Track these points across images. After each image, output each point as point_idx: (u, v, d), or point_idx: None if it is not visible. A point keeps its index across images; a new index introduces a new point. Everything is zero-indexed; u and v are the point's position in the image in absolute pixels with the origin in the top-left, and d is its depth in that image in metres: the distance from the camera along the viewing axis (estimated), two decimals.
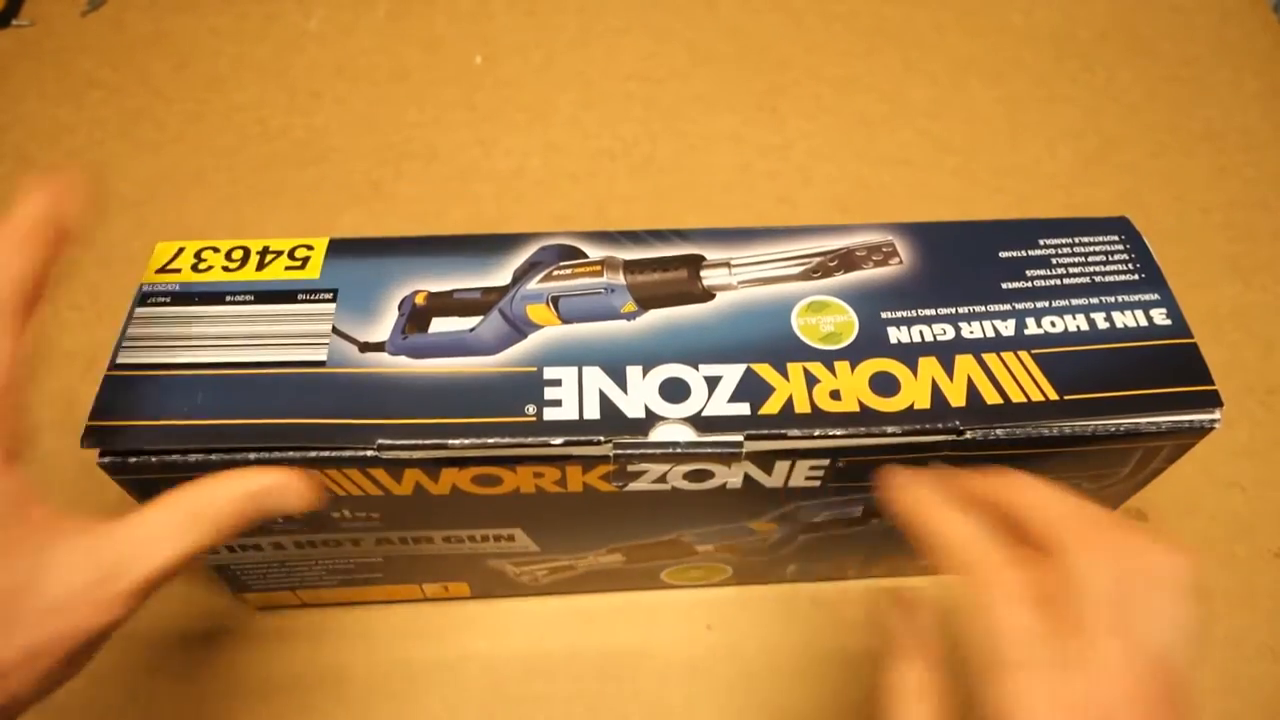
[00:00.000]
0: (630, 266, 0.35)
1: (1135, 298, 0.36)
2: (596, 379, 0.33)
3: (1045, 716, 0.24)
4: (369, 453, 0.32)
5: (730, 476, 0.34)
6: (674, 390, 0.33)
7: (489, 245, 0.37)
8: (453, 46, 0.70)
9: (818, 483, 0.35)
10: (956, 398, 0.33)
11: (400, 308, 0.34)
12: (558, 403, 0.32)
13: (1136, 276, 0.37)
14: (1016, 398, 0.33)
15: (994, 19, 0.73)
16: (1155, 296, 0.36)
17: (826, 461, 0.34)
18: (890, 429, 0.32)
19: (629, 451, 0.32)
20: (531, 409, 0.32)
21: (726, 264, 0.36)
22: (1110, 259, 0.37)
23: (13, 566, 0.23)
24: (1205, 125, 0.67)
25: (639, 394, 0.32)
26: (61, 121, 0.65)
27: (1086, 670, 0.24)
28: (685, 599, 0.46)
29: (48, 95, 0.66)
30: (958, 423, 0.32)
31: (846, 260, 0.36)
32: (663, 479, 0.33)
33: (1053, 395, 0.33)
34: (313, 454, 0.31)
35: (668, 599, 0.46)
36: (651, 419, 0.32)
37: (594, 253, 0.36)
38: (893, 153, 0.65)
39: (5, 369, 0.24)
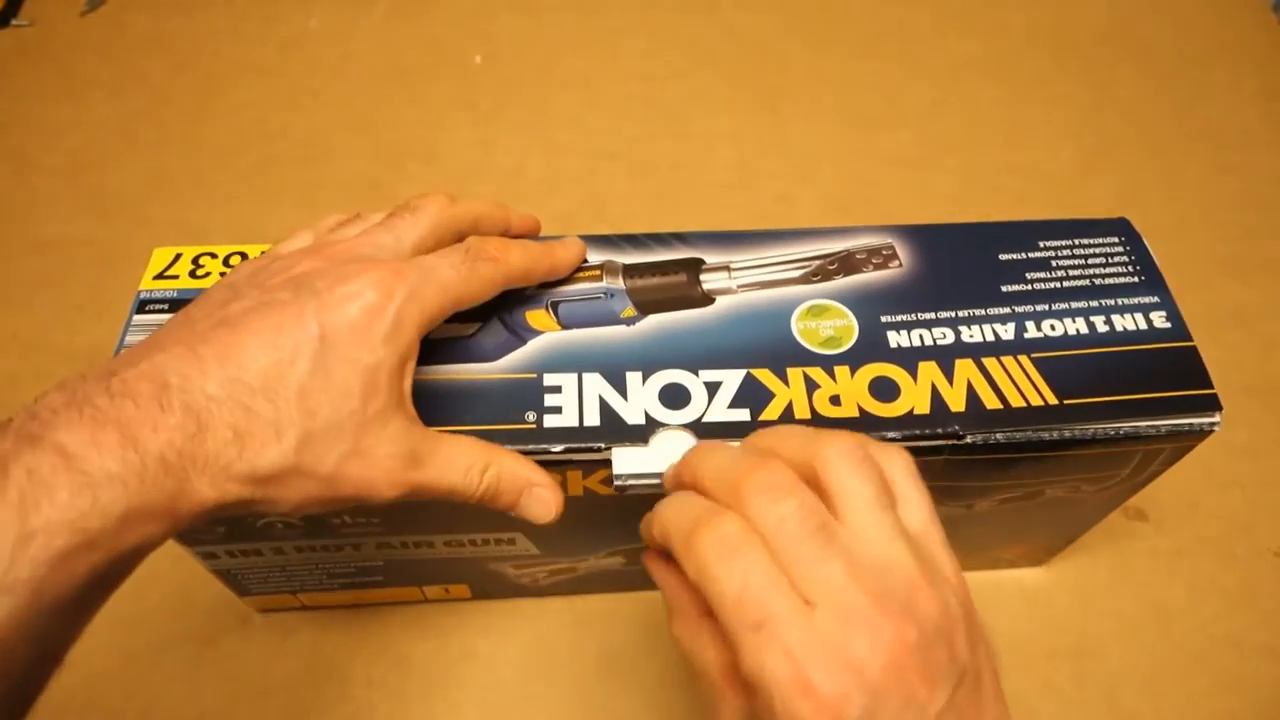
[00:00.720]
0: (629, 271, 0.35)
1: (1135, 300, 0.36)
2: (596, 385, 0.33)
3: (793, 675, 0.23)
4: None
5: None
6: (674, 396, 0.32)
7: None
8: (453, 46, 0.70)
9: None
10: (956, 403, 0.33)
11: None
12: (558, 409, 0.32)
13: (1136, 279, 0.37)
14: (1016, 402, 0.33)
15: (994, 19, 0.73)
16: (1155, 299, 0.36)
17: None
18: (890, 434, 0.32)
19: (629, 483, 0.32)
20: (531, 416, 0.32)
21: (726, 267, 0.36)
22: (1110, 261, 0.37)
23: (368, 412, 0.27)
24: (1205, 125, 0.67)
25: (639, 400, 0.32)
26: (62, 121, 0.65)
27: (815, 618, 0.23)
28: None
29: (48, 95, 0.66)
30: (957, 428, 0.32)
31: (846, 263, 0.36)
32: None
33: (1052, 400, 0.33)
34: None
35: None
36: (652, 425, 0.32)
37: (593, 257, 0.36)
38: (893, 153, 0.65)
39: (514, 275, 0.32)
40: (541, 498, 0.30)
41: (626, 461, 0.32)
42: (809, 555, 0.24)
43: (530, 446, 0.31)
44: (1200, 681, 0.44)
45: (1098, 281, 0.36)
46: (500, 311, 0.34)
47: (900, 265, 0.36)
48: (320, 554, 0.39)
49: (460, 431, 0.31)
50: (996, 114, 0.67)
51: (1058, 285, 0.36)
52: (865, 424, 0.32)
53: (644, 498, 0.35)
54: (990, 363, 0.34)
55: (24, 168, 0.62)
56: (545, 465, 0.32)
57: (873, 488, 0.26)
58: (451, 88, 0.68)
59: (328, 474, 0.26)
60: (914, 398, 0.33)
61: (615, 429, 0.32)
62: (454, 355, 0.33)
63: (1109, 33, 0.73)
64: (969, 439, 0.33)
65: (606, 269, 0.35)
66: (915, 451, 0.33)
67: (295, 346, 0.26)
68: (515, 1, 0.73)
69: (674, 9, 0.73)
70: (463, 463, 0.29)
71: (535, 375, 0.33)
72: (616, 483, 0.32)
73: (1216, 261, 0.59)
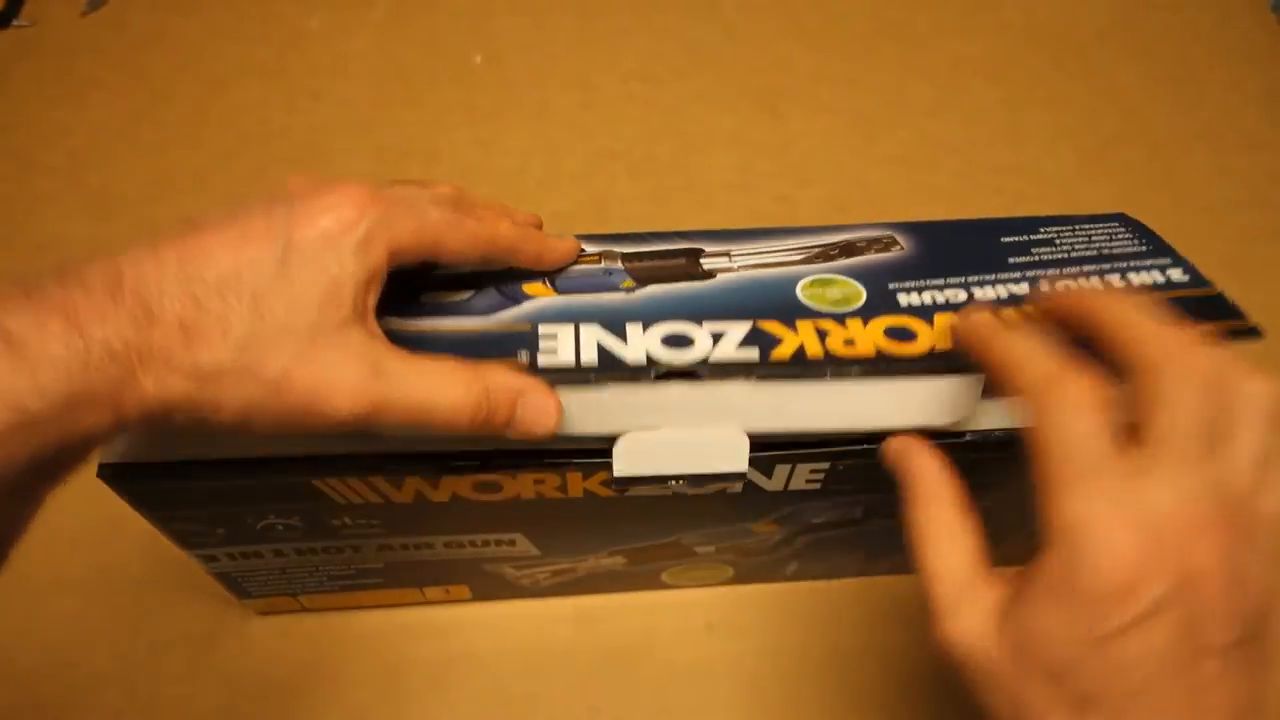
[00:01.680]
0: (628, 257, 0.35)
1: (1148, 262, 0.35)
2: (595, 333, 0.31)
3: (1109, 528, 0.23)
4: (369, 461, 0.32)
5: (731, 481, 0.34)
6: (677, 340, 0.31)
7: None
8: (453, 46, 0.70)
9: (818, 485, 0.35)
10: None
11: (390, 288, 0.33)
12: (553, 351, 0.30)
13: (1144, 248, 0.36)
14: None
15: (994, 19, 0.73)
16: (1167, 260, 0.35)
17: (827, 465, 0.34)
18: (892, 424, 0.32)
19: (630, 477, 0.32)
20: (524, 355, 0.30)
21: (726, 254, 0.35)
22: (1115, 237, 0.36)
23: (326, 320, 0.26)
24: (1205, 125, 0.67)
25: (640, 344, 0.30)
26: (62, 122, 0.65)
27: (1157, 490, 0.23)
28: (685, 599, 0.46)
29: (48, 96, 0.66)
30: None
31: (847, 250, 0.35)
32: (663, 484, 0.33)
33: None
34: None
35: (668, 599, 0.46)
36: (653, 365, 0.30)
37: (592, 249, 0.35)
38: (893, 153, 0.65)
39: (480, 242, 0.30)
40: (538, 405, 0.28)
41: (627, 460, 0.31)
42: (1185, 447, 0.24)
43: None
44: None
45: (1105, 251, 0.35)
46: (495, 281, 0.33)
47: (902, 249, 0.36)
48: (320, 556, 0.39)
49: None
50: (996, 114, 0.67)
51: (1065, 255, 0.35)
52: (883, 361, 0.30)
53: (643, 500, 0.35)
54: (1009, 311, 0.32)
55: (24, 168, 0.62)
56: (544, 465, 0.32)
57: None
58: (451, 88, 0.67)
59: (273, 377, 0.25)
60: (934, 338, 0.31)
61: (614, 367, 0.30)
62: (444, 313, 0.32)
63: (1109, 33, 0.73)
64: (969, 436, 0.32)
65: (605, 255, 0.35)
66: None
67: (259, 251, 0.26)
68: (515, 1, 0.73)
69: (674, 10, 0.73)
70: (440, 377, 0.27)
71: (530, 326, 0.31)
72: (616, 481, 0.32)
73: (1216, 261, 0.59)
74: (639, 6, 0.73)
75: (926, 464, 0.29)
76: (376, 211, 0.27)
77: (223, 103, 0.66)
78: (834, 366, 0.30)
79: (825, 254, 0.35)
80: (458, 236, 0.29)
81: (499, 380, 0.28)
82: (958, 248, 0.36)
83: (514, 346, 0.30)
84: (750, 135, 0.65)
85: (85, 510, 0.46)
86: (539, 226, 0.35)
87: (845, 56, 0.70)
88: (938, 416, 0.32)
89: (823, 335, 0.31)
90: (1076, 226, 0.37)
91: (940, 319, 0.32)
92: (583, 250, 0.35)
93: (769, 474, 0.34)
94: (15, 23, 0.70)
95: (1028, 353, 0.26)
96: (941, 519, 0.28)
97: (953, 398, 0.31)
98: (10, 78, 0.67)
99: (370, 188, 0.28)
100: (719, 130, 0.66)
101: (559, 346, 0.30)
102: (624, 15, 0.73)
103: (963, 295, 0.33)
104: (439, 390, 0.27)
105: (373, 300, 0.28)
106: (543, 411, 0.28)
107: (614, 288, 0.33)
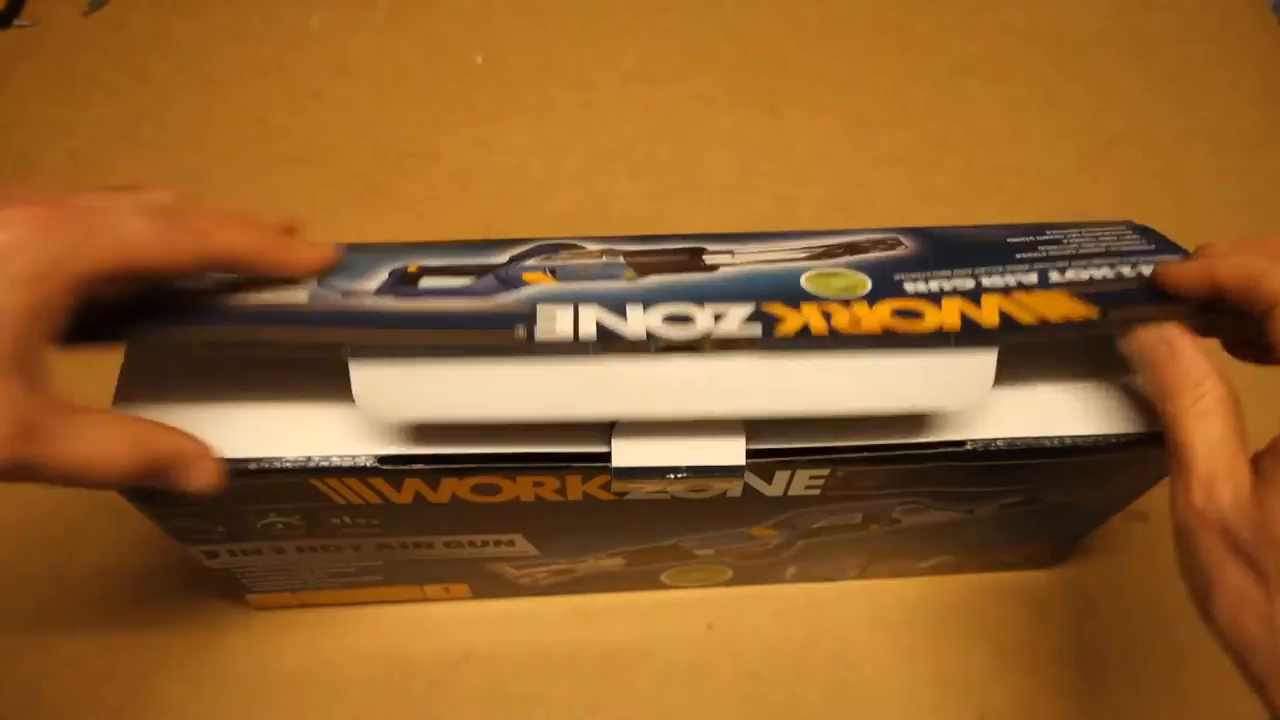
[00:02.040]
0: (630, 255, 0.34)
1: (1157, 257, 0.34)
2: (594, 312, 0.30)
3: None
4: (368, 463, 0.32)
5: (729, 478, 0.34)
6: (678, 318, 0.30)
7: (490, 246, 0.36)
8: (453, 46, 0.70)
9: (818, 491, 0.35)
10: (989, 320, 0.30)
11: (390, 274, 0.32)
12: (551, 326, 0.29)
13: (1152, 246, 0.35)
14: (1055, 317, 0.30)
15: (994, 19, 0.73)
16: (1178, 258, 0.34)
17: (827, 471, 0.34)
18: (892, 436, 0.32)
19: (629, 479, 0.32)
20: (521, 330, 0.29)
21: (730, 252, 0.35)
22: (1122, 238, 0.36)
23: None
24: (1205, 125, 0.67)
25: (640, 321, 0.30)
26: (63, 122, 0.65)
27: None
28: (685, 599, 0.46)
29: (49, 96, 0.66)
30: (996, 343, 0.30)
31: (852, 249, 0.35)
32: (662, 477, 0.33)
33: (1095, 314, 0.30)
34: (311, 465, 0.32)
35: (668, 599, 0.46)
36: (654, 340, 0.29)
37: (593, 248, 0.35)
38: (893, 153, 0.65)
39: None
40: (201, 469, 0.28)
41: (627, 456, 0.31)
42: None
43: (520, 356, 0.29)
44: (1201, 683, 0.44)
45: (1113, 248, 0.35)
46: (496, 270, 0.33)
47: (907, 250, 0.35)
48: (320, 554, 0.39)
49: (436, 344, 0.29)
50: (997, 114, 0.67)
51: (1074, 251, 0.34)
52: (890, 339, 0.30)
53: (643, 504, 0.35)
54: (1019, 294, 0.31)
55: (24, 168, 0.62)
56: (544, 467, 0.32)
57: None
58: (452, 88, 0.67)
59: None
60: (942, 318, 0.30)
61: (614, 342, 0.29)
62: (443, 295, 0.31)
63: (1109, 33, 0.72)
64: (969, 445, 0.32)
65: (606, 253, 0.34)
66: (914, 458, 0.33)
67: None
68: (515, 2, 0.73)
69: (674, 10, 0.73)
70: (103, 432, 0.25)
71: (530, 306, 0.30)
72: (616, 473, 0.31)
73: None
74: (639, 6, 0.73)
75: (1192, 348, 0.29)
76: (59, 238, 0.23)
77: (223, 103, 0.66)
78: (840, 341, 0.29)
79: (830, 252, 0.35)
80: (166, 253, 0.26)
81: (170, 438, 0.28)
82: (964, 246, 0.35)
83: (512, 322, 0.29)
84: (750, 135, 0.65)
85: (84, 508, 0.46)
86: (291, 231, 0.32)
87: (845, 57, 0.70)
88: (950, 399, 0.31)
89: (828, 315, 0.30)
90: (1084, 229, 0.37)
91: (949, 303, 0.31)
92: (582, 248, 0.35)
93: (769, 480, 0.34)
94: (16, 22, 0.70)
95: (1267, 264, 0.27)
96: (1212, 395, 0.28)
97: (965, 377, 0.31)
98: (11, 78, 0.67)
99: (54, 204, 0.24)
100: (719, 130, 0.66)
101: (557, 322, 0.29)
102: (624, 15, 0.73)
103: (970, 283, 0.32)
104: (101, 447, 0.25)
105: (40, 340, 0.24)
106: (207, 474, 0.29)
107: (615, 277, 0.32)
